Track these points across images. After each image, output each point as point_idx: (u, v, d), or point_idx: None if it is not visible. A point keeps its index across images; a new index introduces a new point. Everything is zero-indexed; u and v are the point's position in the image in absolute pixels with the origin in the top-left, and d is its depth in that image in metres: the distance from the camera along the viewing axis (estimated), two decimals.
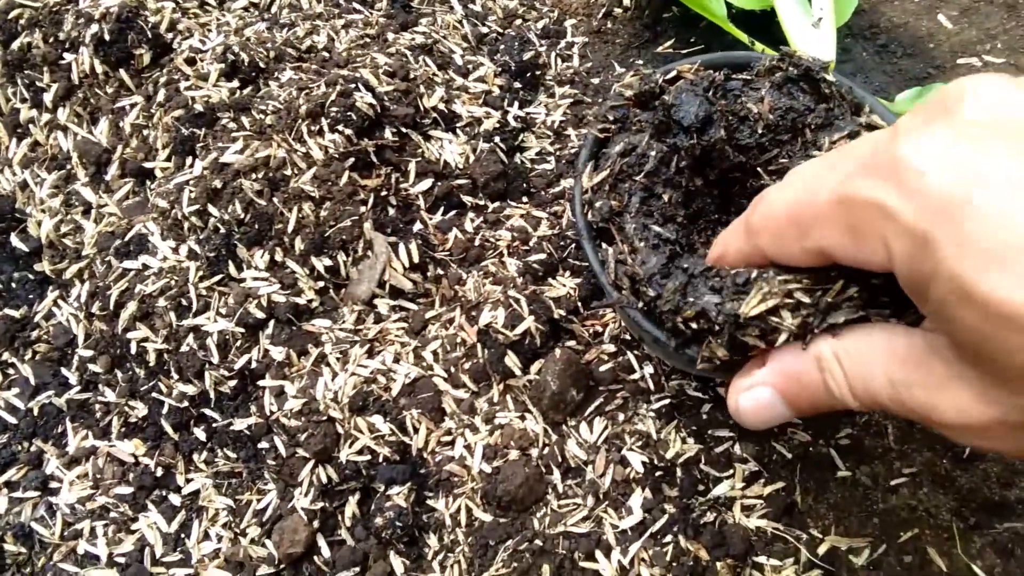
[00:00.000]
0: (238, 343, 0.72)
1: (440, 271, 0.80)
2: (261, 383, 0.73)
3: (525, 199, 0.85)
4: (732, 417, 0.53)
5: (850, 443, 0.72)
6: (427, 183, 0.82)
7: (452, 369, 0.75)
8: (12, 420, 0.75)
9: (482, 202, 0.83)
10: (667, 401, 0.74)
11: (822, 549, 0.68)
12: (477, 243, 0.81)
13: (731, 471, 0.71)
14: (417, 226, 0.81)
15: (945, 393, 0.39)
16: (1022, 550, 0.68)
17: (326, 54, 0.87)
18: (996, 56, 0.94)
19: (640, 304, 0.58)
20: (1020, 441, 0.38)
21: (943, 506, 0.70)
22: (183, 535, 0.71)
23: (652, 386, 0.74)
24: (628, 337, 0.76)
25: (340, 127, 0.78)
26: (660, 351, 0.64)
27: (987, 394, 0.37)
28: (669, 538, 0.68)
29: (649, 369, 0.75)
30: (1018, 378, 0.35)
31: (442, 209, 0.83)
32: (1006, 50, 0.95)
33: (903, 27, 0.99)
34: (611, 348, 0.76)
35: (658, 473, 0.71)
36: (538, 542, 0.69)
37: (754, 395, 0.49)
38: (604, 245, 0.63)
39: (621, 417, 0.74)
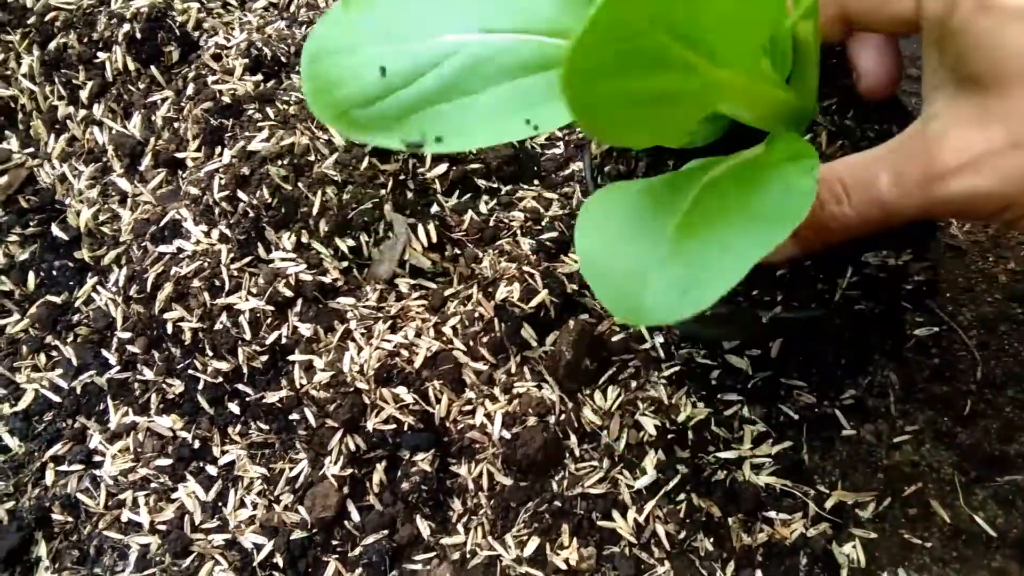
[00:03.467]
0: (268, 320, 0.76)
1: (457, 250, 0.83)
2: (291, 358, 0.76)
3: (536, 182, 0.89)
4: None
5: (854, 404, 0.75)
6: (442, 167, 0.86)
7: (471, 343, 0.79)
8: (56, 399, 0.79)
9: (495, 185, 0.87)
10: (677, 368, 0.77)
11: (829, 503, 0.71)
12: (492, 224, 0.85)
13: (740, 432, 0.74)
14: (434, 208, 0.84)
15: (946, 149, 0.43)
16: (1022, 501, 0.71)
17: None
18: None
19: None
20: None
21: (945, 461, 0.73)
22: (220, 503, 0.74)
23: (663, 355, 0.77)
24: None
25: None
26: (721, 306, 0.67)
27: (988, 113, 0.42)
28: (682, 496, 0.71)
29: (659, 339, 0.78)
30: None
31: (457, 192, 0.87)
32: None
33: None
34: None
35: (670, 436, 0.74)
36: (557, 503, 0.72)
37: None
38: None
39: (633, 384, 0.77)
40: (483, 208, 0.85)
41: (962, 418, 0.75)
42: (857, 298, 0.61)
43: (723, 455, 0.73)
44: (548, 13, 0.52)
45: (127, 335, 0.79)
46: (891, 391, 0.76)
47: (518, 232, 0.84)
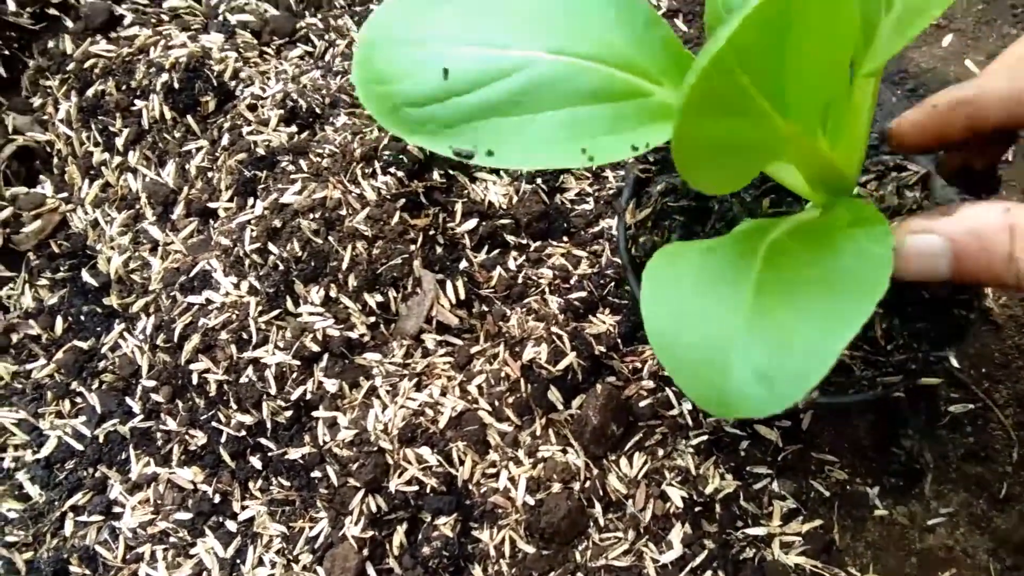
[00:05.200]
0: (294, 375, 0.76)
1: (485, 307, 0.83)
2: (315, 414, 0.76)
3: (566, 238, 0.88)
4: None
5: (887, 482, 0.74)
6: (472, 223, 0.85)
7: (496, 403, 0.78)
8: (79, 447, 0.79)
9: (524, 241, 0.86)
10: (705, 437, 0.75)
11: None
12: (520, 280, 0.84)
13: (770, 508, 0.73)
14: (463, 264, 0.84)
15: None
16: None
17: None
18: None
19: None
20: None
21: (980, 546, 0.71)
22: (239, 560, 0.73)
23: (691, 422, 0.76)
24: (667, 373, 0.78)
25: (392, 169, 0.82)
26: None
27: None
28: (709, 573, 0.70)
29: (687, 405, 0.77)
30: None
31: (486, 247, 0.86)
32: None
33: (931, 72, 1.01)
34: (650, 384, 0.78)
35: (697, 508, 0.73)
36: (580, 575, 0.71)
37: (925, 240, 0.46)
38: None
39: (660, 452, 0.76)
40: (512, 264, 0.85)
41: (998, 501, 0.73)
42: (895, 384, 0.60)
43: (752, 531, 0.71)
44: (619, 45, 0.51)
45: (152, 383, 0.79)
46: (925, 470, 0.74)
47: (546, 290, 0.83)
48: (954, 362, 0.80)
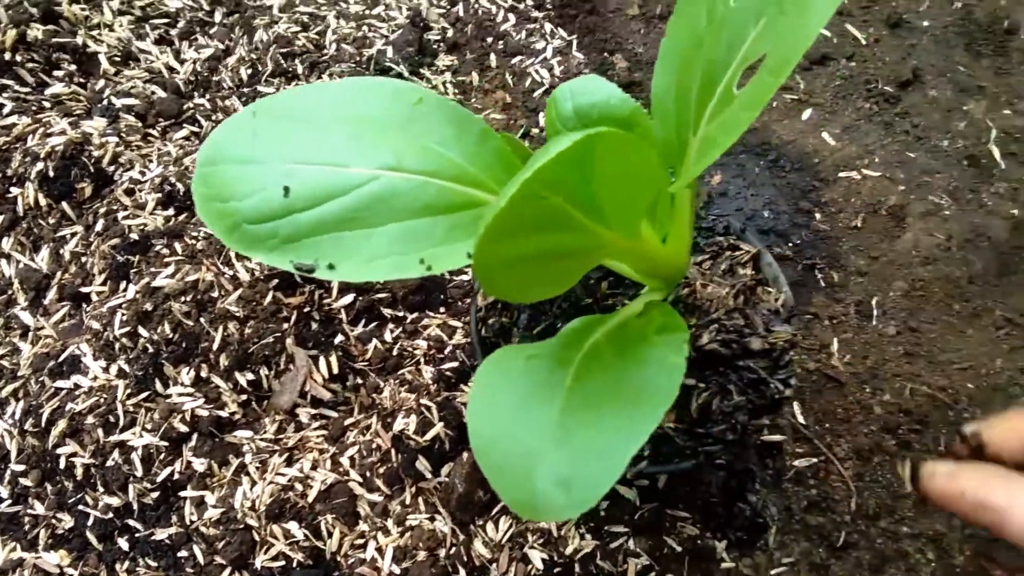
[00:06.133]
0: (162, 456, 0.77)
1: (359, 380, 0.86)
2: (183, 493, 0.77)
3: (443, 309, 0.92)
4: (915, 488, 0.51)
5: (734, 536, 0.78)
6: (349, 297, 0.89)
7: (368, 473, 0.80)
8: None
9: (401, 313, 0.90)
10: None
11: None
12: (396, 352, 0.87)
13: (625, 566, 0.76)
14: (339, 338, 0.87)
15: None
16: None
17: None
18: (873, 170, 1.04)
19: None
20: None
21: None
22: None
23: None
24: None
25: None
26: None
27: None
28: None
29: None
30: None
31: (364, 321, 0.90)
32: (882, 164, 1.05)
33: (791, 144, 1.09)
34: None
35: (556, 569, 0.76)
36: None
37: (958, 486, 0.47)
38: None
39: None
40: (388, 336, 0.88)
41: (836, 548, 0.78)
42: (715, 452, 0.65)
43: None
44: (456, 159, 0.54)
45: (21, 468, 0.79)
46: (770, 522, 0.79)
47: (421, 360, 0.87)
48: (800, 419, 0.86)
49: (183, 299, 0.80)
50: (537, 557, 0.76)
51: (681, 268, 0.62)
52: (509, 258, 0.46)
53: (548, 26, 1.13)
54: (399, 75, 1.02)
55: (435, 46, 1.10)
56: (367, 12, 1.11)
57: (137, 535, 0.77)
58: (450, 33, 1.12)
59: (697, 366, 0.65)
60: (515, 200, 0.38)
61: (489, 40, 1.12)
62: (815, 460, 0.82)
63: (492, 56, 1.10)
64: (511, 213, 0.38)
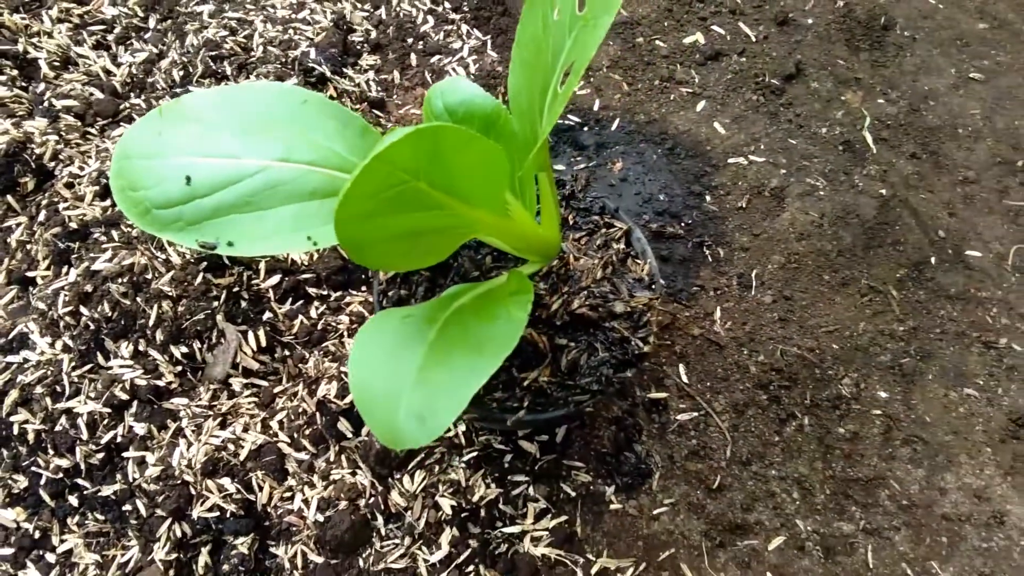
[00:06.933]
0: (105, 421, 0.86)
1: (287, 352, 0.95)
2: (126, 454, 0.86)
3: (363, 288, 1.01)
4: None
5: (623, 481, 0.88)
6: (276, 278, 0.97)
7: (295, 435, 0.89)
8: None
9: (325, 292, 0.99)
10: (475, 453, 0.89)
11: (594, 570, 0.83)
12: (320, 327, 0.96)
13: (524, 509, 0.86)
14: (267, 315, 0.96)
15: None
16: (757, 562, 0.84)
17: None
18: (759, 156, 1.15)
19: None
20: None
21: (695, 529, 0.86)
22: None
23: (464, 441, 0.89)
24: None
25: None
26: (475, 410, 0.79)
27: None
28: (471, 568, 0.82)
29: (462, 427, 0.90)
30: None
31: (290, 299, 0.98)
32: (767, 150, 1.16)
33: (686, 133, 1.19)
34: None
35: (464, 514, 0.86)
36: None
37: None
38: None
39: (437, 468, 0.89)
40: (313, 313, 0.97)
41: (712, 491, 0.89)
42: (584, 401, 0.75)
43: (508, 530, 0.85)
44: (339, 151, 0.63)
45: None
46: (654, 469, 0.90)
47: (345, 334, 0.96)
48: (684, 378, 0.97)
49: (120, 281, 0.88)
50: (447, 504, 0.85)
51: (553, 243, 0.72)
52: (385, 235, 0.55)
53: (464, 27, 1.23)
54: (322, 75, 1.11)
55: (359, 47, 1.19)
56: (293, 16, 1.19)
57: (85, 492, 0.85)
58: (373, 35, 1.21)
59: (569, 328, 0.75)
60: (366, 171, 0.46)
61: (410, 41, 1.21)
62: (696, 414, 0.93)
63: (412, 56, 1.19)
64: (365, 182, 0.47)
